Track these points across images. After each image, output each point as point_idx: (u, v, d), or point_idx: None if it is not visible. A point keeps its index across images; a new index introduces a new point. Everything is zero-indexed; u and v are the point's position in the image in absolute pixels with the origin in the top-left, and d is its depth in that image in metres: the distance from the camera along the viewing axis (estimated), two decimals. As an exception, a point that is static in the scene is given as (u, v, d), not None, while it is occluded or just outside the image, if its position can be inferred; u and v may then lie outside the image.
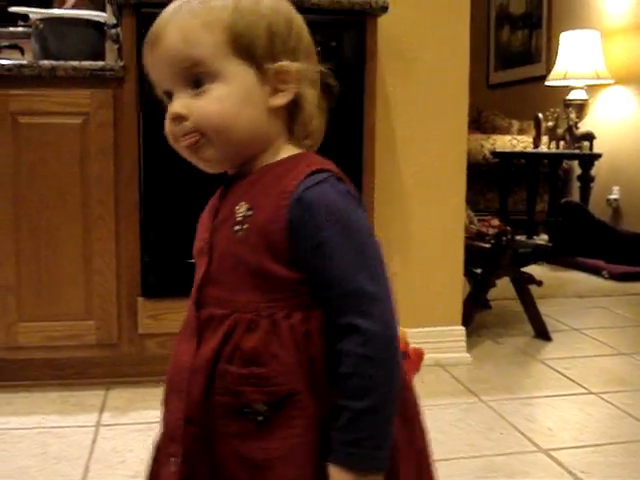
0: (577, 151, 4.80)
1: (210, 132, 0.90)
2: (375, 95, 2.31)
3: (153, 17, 0.93)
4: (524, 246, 3.19)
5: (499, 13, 6.70)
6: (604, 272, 4.12)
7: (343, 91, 2.46)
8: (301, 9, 2.32)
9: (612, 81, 4.91)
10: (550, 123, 4.85)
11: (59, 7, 2.65)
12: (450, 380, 2.44)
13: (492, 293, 3.08)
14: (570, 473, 1.78)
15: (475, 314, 2.90)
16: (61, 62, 2.16)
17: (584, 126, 4.98)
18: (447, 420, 2.10)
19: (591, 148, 4.81)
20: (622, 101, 4.98)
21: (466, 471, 1.79)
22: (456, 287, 2.65)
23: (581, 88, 5.00)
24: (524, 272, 3.03)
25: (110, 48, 2.51)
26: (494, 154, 5.22)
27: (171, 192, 2.17)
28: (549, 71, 5.31)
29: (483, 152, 5.31)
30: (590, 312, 3.41)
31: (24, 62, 2.20)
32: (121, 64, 2.16)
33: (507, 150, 5.29)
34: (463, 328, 2.66)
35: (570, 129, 4.80)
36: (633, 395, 2.32)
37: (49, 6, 2.63)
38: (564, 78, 4.99)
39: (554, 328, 3.01)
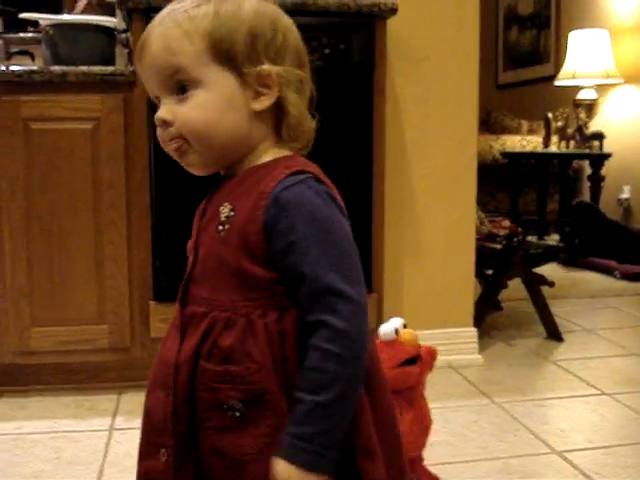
0: (587, 151, 4.79)
1: (192, 138, 0.93)
2: (385, 97, 2.31)
3: (162, 22, 0.94)
4: (535, 247, 3.19)
5: (507, 13, 6.69)
6: (616, 272, 4.10)
7: (353, 94, 2.48)
8: (309, 12, 2.34)
9: (621, 80, 4.89)
10: (560, 123, 4.84)
11: (69, 13, 2.67)
12: (462, 382, 2.43)
13: (503, 294, 3.07)
14: (584, 475, 1.77)
15: (487, 315, 2.89)
16: (71, 67, 2.17)
17: (594, 126, 4.96)
18: (459, 422, 2.09)
19: (601, 148, 4.79)
20: (632, 100, 4.96)
21: (480, 473, 1.78)
22: (467, 288, 2.64)
23: (590, 87, 4.99)
24: (535, 273, 3.02)
25: (120, 53, 2.52)
26: (504, 155, 5.21)
27: (182, 196, 2.18)
28: (558, 71, 5.29)
29: (492, 153, 5.30)
30: (602, 312, 3.39)
31: (35, 68, 2.21)
32: (131, 69, 2.17)
33: (517, 150, 5.28)
34: (475, 329, 2.65)
35: (580, 129, 4.78)
36: (646, 396, 2.32)
37: (59, 12, 2.65)
38: (573, 78, 4.97)
39: (566, 329, 3.00)
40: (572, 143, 4.84)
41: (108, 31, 2.40)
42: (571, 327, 3.07)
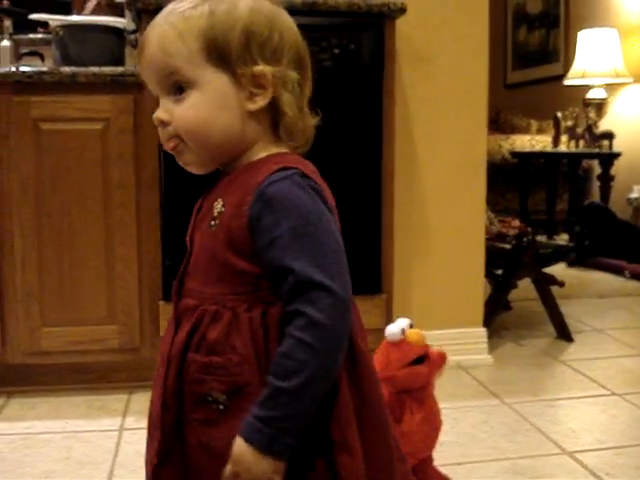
0: (597, 150, 4.77)
1: (187, 138, 0.94)
2: (394, 97, 2.31)
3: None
4: (545, 247, 3.18)
5: (516, 12, 6.67)
6: (626, 272, 4.09)
7: (362, 94, 2.48)
8: (319, 12, 2.34)
9: (631, 79, 4.87)
10: (569, 122, 4.82)
11: (78, 14, 2.68)
12: (472, 382, 2.43)
13: (513, 294, 3.06)
14: (595, 475, 1.77)
15: (496, 315, 2.88)
16: (81, 68, 2.17)
17: (603, 125, 4.94)
18: (469, 423, 2.09)
19: (611, 147, 4.77)
20: (642, 99, 4.94)
21: (491, 474, 1.78)
22: (477, 288, 2.63)
23: (600, 87, 4.97)
24: (545, 273, 3.01)
25: (130, 53, 2.53)
26: (513, 154, 5.19)
27: (191, 196, 2.17)
28: (567, 70, 5.27)
29: (502, 152, 5.28)
30: (612, 312, 3.38)
31: (45, 69, 2.22)
32: (141, 69, 2.17)
33: (526, 150, 5.26)
34: (484, 329, 2.65)
35: (589, 128, 4.77)
36: (657, 396, 2.31)
37: (68, 13, 2.65)
38: (582, 77, 4.95)
39: (576, 329, 2.99)
40: (581, 142, 4.82)
41: (117, 32, 2.41)
42: (581, 327, 3.07)
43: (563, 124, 4.84)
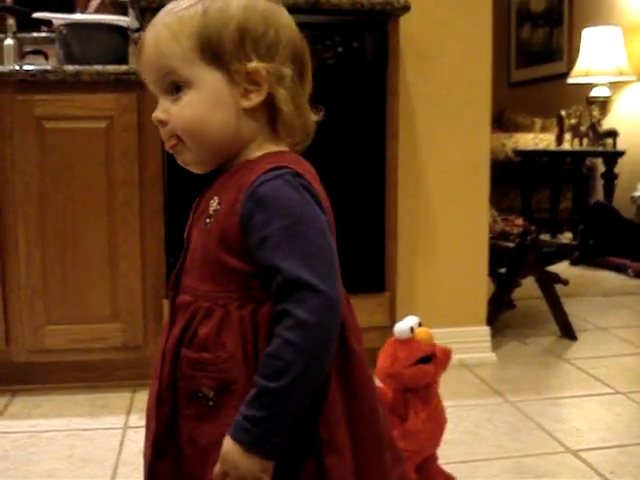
0: (600, 148, 4.76)
1: (184, 137, 0.95)
2: (398, 95, 2.31)
3: (175, 21, 0.96)
4: (549, 245, 3.17)
5: (520, 10, 6.66)
6: (630, 270, 4.08)
7: (365, 92, 2.48)
8: (322, 10, 2.34)
9: (634, 78, 4.86)
10: (573, 121, 4.81)
11: (82, 12, 2.68)
12: (475, 380, 2.43)
13: (517, 292, 3.06)
14: (599, 474, 1.76)
15: (500, 314, 2.88)
16: (85, 67, 2.18)
17: (607, 123, 4.94)
18: (473, 421, 2.09)
19: (615, 145, 4.76)
20: (646, 97, 4.93)
21: (494, 472, 1.78)
22: (481, 287, 2.63)
23: (603, 85, 4.96)
24: (549, 271, 3.01)
25: (133, 52, 2.52)
26: (517, 152, 5.18)
27: (195, 194, 2.17)
28: (571, 68, 5.26)
29: (505, 151, 5.27)
30: (616, 311, 3.38)
31: (48, 67, 2.22)
32: (144, 68, 2.17)
33: (530, 148, 5.25)
34: (488, 328, 2.65)
35: (593, 126, 4.76)
36: (661, 395, 2.30)
37: (72, 11, 2.66)
38: (586, 75, 4.94)
39: (580, 327, 2.99)
40: (585, 141, 4.81)
41: (121, 30, 2.41)
42: (585, 326, 3.06)
43: (567, 122, 4.83)
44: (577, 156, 4.88)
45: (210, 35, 0.92)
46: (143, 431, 1.02)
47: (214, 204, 0.94)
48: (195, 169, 1.00)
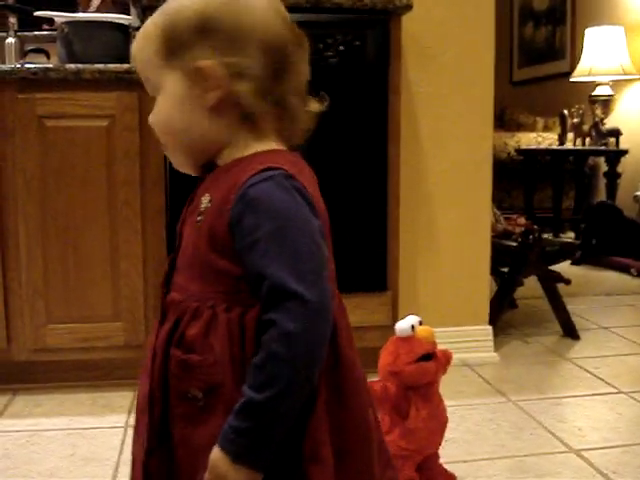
0: (603, 147, 4.75)
1: (162, 141, 0.97)
2: (400, 94, 2.31)
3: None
4: (551, 244, 3.17)
5: (522, 9, 6.65)
6: (632, 270, 4.08)
7: (367, 90, 2.47)
8: (324, 9, 2.33)
9: (638, 76, 4.85)
10: (576, 120, 4.80)
11: (83, 11, 2.68)
12: (477, 380, 2.42)
13: (519, 292, 3.06)
14: (601, 473, 1.76)
15: (502, 313, 2.87)
16: (87, 65, 2.17)
17: (610, 122, 4.92)
18: (475, 420, 2.08)
19: (617, 144, 4.75)
20: (648, 96, 4.92)
21: (496, 472, 1.77)
22: (483, 286, 2.63)
23: (606, 84, 4.95)
24: (552, 270, 3.00)
25: (135, 50, 2.52)
26: (519, 151, 5.18)
27: (197, 193, 2.18)
28: (573, 67, 5.26)
29: (507, 150, 5.27)
30: (618, 310, 3.37)
31: (50, 66, 2.22)
32: (146, 66, 2.17)
33: (532, 147, 5.25)
34: (490, 327, 2.64)
35: (596, 125, 4.75)
36: (664, 394, 2.30)
37: (73, 10, 2.65)
38: (589, 74, 4.94)
39: (582, 327, 2.98)
40: (588, 140, 4.80)
41: (123, 29, 2.40)
42: (587, 325, 3.06)
43: (569, 121, 4.82)
44: (580, 155, 4.87)
45: (169, 36, 0.92)
46: (144, 431, 1.01)
47: (205, 201, 0.92)
48: (184, 171, 1.00)
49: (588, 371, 2.50)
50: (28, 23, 2.81)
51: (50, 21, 2.66)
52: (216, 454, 0.86)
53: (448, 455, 1.74)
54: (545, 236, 3.13)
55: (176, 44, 0.91)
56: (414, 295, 2.54)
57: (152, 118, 0.97)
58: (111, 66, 2.17)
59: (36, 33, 2.85)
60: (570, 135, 4.88)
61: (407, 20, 2.31)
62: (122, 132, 2.19)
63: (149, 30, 0.95)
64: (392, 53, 2.27)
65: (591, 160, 5.20)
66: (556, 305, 2.92)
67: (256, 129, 0.94)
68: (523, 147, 5.21)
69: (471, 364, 2.53)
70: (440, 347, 1.63)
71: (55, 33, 2.47)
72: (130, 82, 2.17)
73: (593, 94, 4.95)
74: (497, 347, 2.66)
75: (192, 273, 0.94)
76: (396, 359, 1.57)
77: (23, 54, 2.75)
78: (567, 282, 3.13)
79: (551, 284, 2.93)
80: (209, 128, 0.93)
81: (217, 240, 0.89)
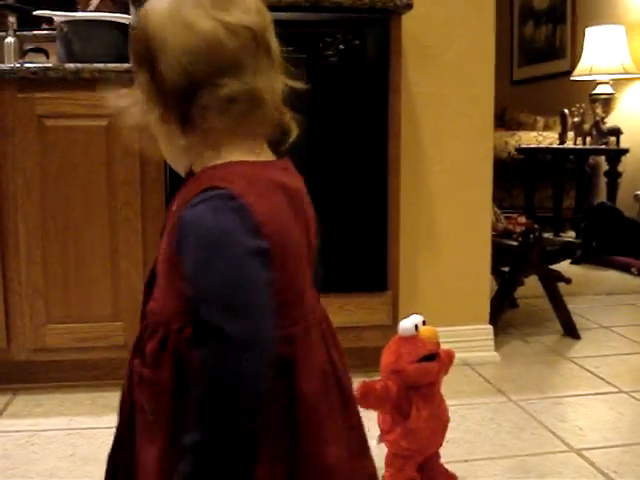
0: (604, 146, 4.74)
1: None
2: (400, 93, 2.30)
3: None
4: (552, 243, 3.16)
5: (522, 8, 6.64)
6: (633, 269, 4.07)
7: (367, 90, 2.47)
8: (323, 8, 2.33)
9: (638, 75, 4.84)
10: (576, 119, 4.79)
11: (83, 10, 2.67)
12: (478, 379, 2.42)
13: (520, 291, 3.05)
14: (602, 473, 1.76)
15: (503, 312, 2.87)
16: (86, 65, 2.17)
17: (611, 121, 4.92)
18: (476, 420, 2.08)
19: (618, 143, 4.74)
20: (649, 95, 4.92)
21: (497, 471, 1.77)
22: (484, 285, 2.62)
23: (607, 83, 4.95)
24: (552, 270, 3.00)
25: (135, 50, 2.51)
26: (519, 150, 5.17)
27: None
28: (574, 66, 5.25)
29: (508, 149, 5.26)
30: (619, 309, 3.37)
31: (49, 65, 2.22)
32: (146, 66, 2.16)
33: (533, 146, 5.24)
34: (491, 327, 2.64)
35: (597, 124, 4.74)
36: (665, 394, 2.29)
37: (73, 9, 2.65)
38: (590, 73, 4.93)
39: (583, 326, 2.97)
40: (589, 139, 4.80)
41: (122, 28, 2.40)
42: (588, 324, 3.05)
43: (570, 120, 4.81)
44: (580, 154, 4.87)
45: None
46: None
47: (174, 209, 0.89)
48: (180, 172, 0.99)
49: (589, 370, 2.50)
50: (27, 22, 2.81)
51: (49, 20, 2.65)
52: None
53: (449, 455, 1.74)
54: (546, 235, 3.12)
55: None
56: (414, 294, 2.54)
57: None
58: (111, 65, 2.17)
59: (35, 32, 2.85)
60: (571, 134, 4.87)
61: (407, 19, 2.31)
62: (122, 132, 2.18)
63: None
64: (392, 52, 2.26)
65: (592, 159, 5.20)
66: (557, 304, 2.91)
67: (213, 140, 0.90)
68: (524, 146, 5.21)
69: (472, 363, 2.53)
70: (443, 348, 1.62)
71: (54, 32, 2.46)
72: (129, 81, 2.16)
73: (594, 93, 4.94)
74: (498, 346, 2.65)
75: (159, 284, 0.92)
76: (398, 358, 1.56)
77: (22, 53, 2.74)
78: (568, 281, 3.13)
79: (552, 283, 2.92)
80: (160, 137, 0.95)
81: (173, 255, 0.86)
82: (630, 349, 2.76)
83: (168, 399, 0.86)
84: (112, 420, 2.07)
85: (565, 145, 4.87)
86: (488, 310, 2.64)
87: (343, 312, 2.25)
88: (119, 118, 0.96)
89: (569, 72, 5.37)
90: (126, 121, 0.94)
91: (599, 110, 4.79)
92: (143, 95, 0.93)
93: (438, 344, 1.59)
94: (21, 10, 2.74)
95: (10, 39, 2.69)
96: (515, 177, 5.22)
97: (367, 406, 1.50)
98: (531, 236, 2.83)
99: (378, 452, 1.54)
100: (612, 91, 4.96)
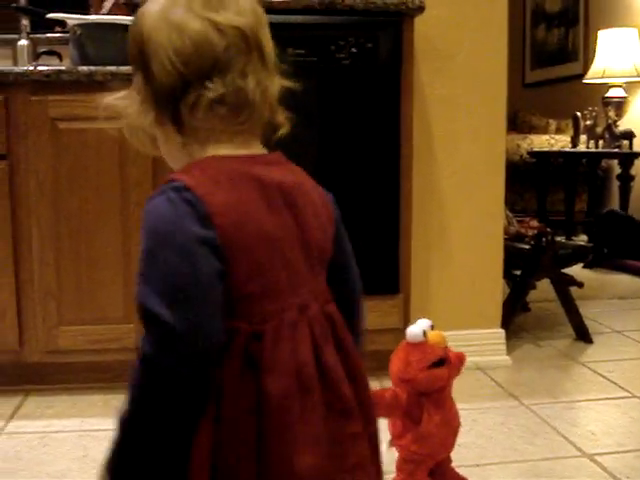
0: (616, 150, 4.73)
1: None
2: (412, 96, 2.30)
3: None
4: (564, 247, 3.15)
5: (535, 11, 6.63)
6: (646, 273, 4.06)
7: (380, 92, 2.46)
8: (336, 11, 2.33)
9: (652, 78, 4.83)
10: (588, 122, 4.78)
11: (96, 13, 2.68)
12: (490, 383, 2.41)
13: (532, 295, 3.04)
14: (615, 478, 1.75)
15: (514, 316, 2.86)
16: (99, 67, 2.18)
17: (623, 124, 4.90)
18: (488, 424, 2.07)
19: (631, 147, 4.73)
20: (662, 99, 4.89)
21: (509, 476, 1.76)
22: (495, 289, 2.62)
23: (619, 86, 4.93)
24: (564, 273, 2.99)
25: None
26: (531, 154, 5.16)
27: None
28: (586, 69, 5.24)
29: (520, 152, 5.25)
30: (632, 314, 3.35)
31: (62, 68, 2.23)
32: (158, 68, 2.17)
33: (545, 149, 5.23)
34: (503, 331, 2.63)
35: (609, 127, 4.72)
36: (678, 399, 2.28)
37: (86, 12, 2.66)
38: (603, 76, 4.91)
39: (595, 330, 2.96)
40: (601, 142, 4.78)
41: (135, 31, 2.40)
42: (600, 329, 3.04)
43: (582, 123, 4.80)
44: (593, 157, 4.85)
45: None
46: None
47: None
48: None
49: (601, 375, 2.48)
50: (40, 25, 2.82)
51: (62, 23, 2.67)
52: None
53: (460, 459, 1.73)
54: (558, 239, 3.11)
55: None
56: (426, 298, 2.53)
57: None
58: (123, 68, 2.17)
59: (48, 35, 2.86)
60: (583, 137, 4.85)
61: (419, 22, 2.31)
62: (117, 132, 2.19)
63: None
64: (404, 55, 2.26)
65: (604, 163, 5.17)
66: (569, 308, 2.90)
67: (202, 138, 0.92)
68: (536, 149, 5.20)
69: (483, 367, 2.52)
70: (453, 351, 1.61)
71: (67, 35, 2.47)
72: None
73: (606, 96, 4.93)
74: (509, 350, 2.64)
75: None
76: (407, 366, 1.54)
77: (36, 56, 2.76)
78: (580, 285, 3.11)
79: (564, 287, 2.91)
80: (159, 138, 0.98)
81: None
82: (643, 354, 2.74)
83: None
84: (124, 422, 2.07)
85: (577, 148, 4.85)
86: (500, 314, 2.63)
87: (354, 315, 2.24)
88: (115, 119, 1.00)
89: (581, 75, 5.35)
90: (121, 122, 0.98)
91: (612, 113, 4.77)
92: (139, 96, 0.95)
93: (447, 348, 1.58)
94: (34, 13, 2.75)
95: (23, 42, 2.71)
96: (527, 180, 5.21)
97: (377, 415, 1.49)
98: (543, 240, 2.82)
99: (389, 457, 1.54)
100: (625, 94, 4.94)
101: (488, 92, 2.53)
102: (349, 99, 2.23)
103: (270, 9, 2.15)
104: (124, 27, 2.35)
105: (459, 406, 1.63)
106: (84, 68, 2.18)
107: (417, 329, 1.56)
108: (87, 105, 2.17)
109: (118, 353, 2.27)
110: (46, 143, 2.17)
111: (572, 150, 4.89)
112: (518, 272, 2.93)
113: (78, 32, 2.34)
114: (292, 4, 2.17)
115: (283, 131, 0.96)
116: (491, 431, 2.03)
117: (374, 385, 1.03)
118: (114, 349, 2.27)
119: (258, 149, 0.95)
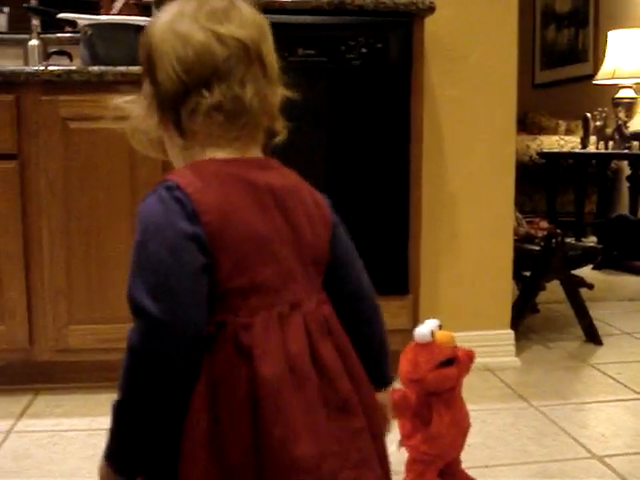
0: (626, 151, 4.71)
1: None
2: (422, 96, 2.30)
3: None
4: (574, 248, 3.14)
5: (545, 11, 6.61)
6: (656, 275, 4.04)
7: (390, 93, 2.46)
8: (346, 11, 2.33)
9: (662, 79, 4.81)
10: (598, 123, 4.76)
11: (106, 13, 2.69)
12: (499, 384, 2.41)
13: (541, 296, 3.03)
14: (625, 480, 1.74)
15: (524, 318, 2.85)
16: (109, 67, 2.18)
17: (633, 125, 4.88)
18: (497, 425, 2.07)
19: (641, 148, 4.71)
20: (673, 100, 4.87)
21: (519, 477, 1.76)
22: (505, 290, 2.61)
23: (630, 87, 4.91)
24: (574, 275, 2.98)
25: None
26: (541, 155, 5.15)
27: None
28: (596, 70, 5.22)
29: (530, 153, 5.24)
30: (642, 315, 3.34)
31: (73, 68, 2.23)
32: (168, 69, 2.18)
33: (554, 150, 5.21)
34: (512, 332, 2.62)
35: (619, 128, 4.70)
36: (689, 401, 2.27)
37: (96, 12, 2.67)
38: (613, 77, 4.89)
39: (605, 332, 2.95)
40: (611, 143, 4.76)
41: (146, 31, 2.41)
42: (610, 330, 3.03)
43: (592, 124, 4.78)
44: (602, 159, 4.83)
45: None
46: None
47: None
48: None
49: (611, 377, 2.48)
50: (51, 25, 2.83)
51: (73, 23, 2.67)
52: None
53: (470, 460, 1.73)
54: (567, 240, 3.10)
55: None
56: (435, 299, 2.53)
57: None
58: (133, 68, 2.18)
59: (59, 35, 2.87)
60: (593, 138, 4.84)
61: (430, 22, 2.30)
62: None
63: None
64: (414, 56, 2.26)
65: (614, 164, 5.16)
66: (578, 310, 2.89)
67: (202, 142, 0.97)
68: (545, 150, 5.18)
69: (493, 368, 2.52)
70: (462, 348, 1.61)
71: (78, 35, 2.48)
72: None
73: (616, 97, 4.91)
74: (519, 352, 2.64)
75: None
76: (416, 367, 1.54)
77: (46, 56, 2.77)
78: (590, 287, 3.10)
79: (573, 289, 2.90)
80: (166, 141, 1.02)
81: None
82: (653, 355, 2.73)
83: None
84: (133, 421, 2.07)
85: (587, 150, 4.84)
86: (509, 315, 2.62)
87: (364, 316, 2.24)
88: (124, 120, 1.07)
89: (591, 76, 5.33)
90: (127, 125, 1.04)
91: (622, 114, 4.76)
92: (146, 101, 1.01)
93: (455, 348, 1.57)
94: (45, 13, 2.76)
95: (34, 42, 2.72)
96: (537, 181, 5.19)
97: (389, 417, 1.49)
98: (553, 241, 2.82)
99: (398, 457, 1.54)
100: (635, 95, 4.92)
101: (498, 93, 2.53)
102: (359, 99, 2.23)
103: (280, 9, 2.17)
104: (134, 27, 2.36)
105: (469, 407, 1.63)
106: (95, 68, 2.19)
107: (424, 329, 1.56)
108: (98, 105, 2.17)
109: (128, 352, 2.28)
110: (57, 143, 2.18)
111: (582, 151, 4.88)
112: (528, 273, 2.92)
113: (89, 32, 2.35)
114: (302, 4, 2.17)
115: (280, 139, 1.02)
116: (500, 432, 2.02)
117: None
118: (124, 348, 2.26)
119: (256, 154, 1.00)
